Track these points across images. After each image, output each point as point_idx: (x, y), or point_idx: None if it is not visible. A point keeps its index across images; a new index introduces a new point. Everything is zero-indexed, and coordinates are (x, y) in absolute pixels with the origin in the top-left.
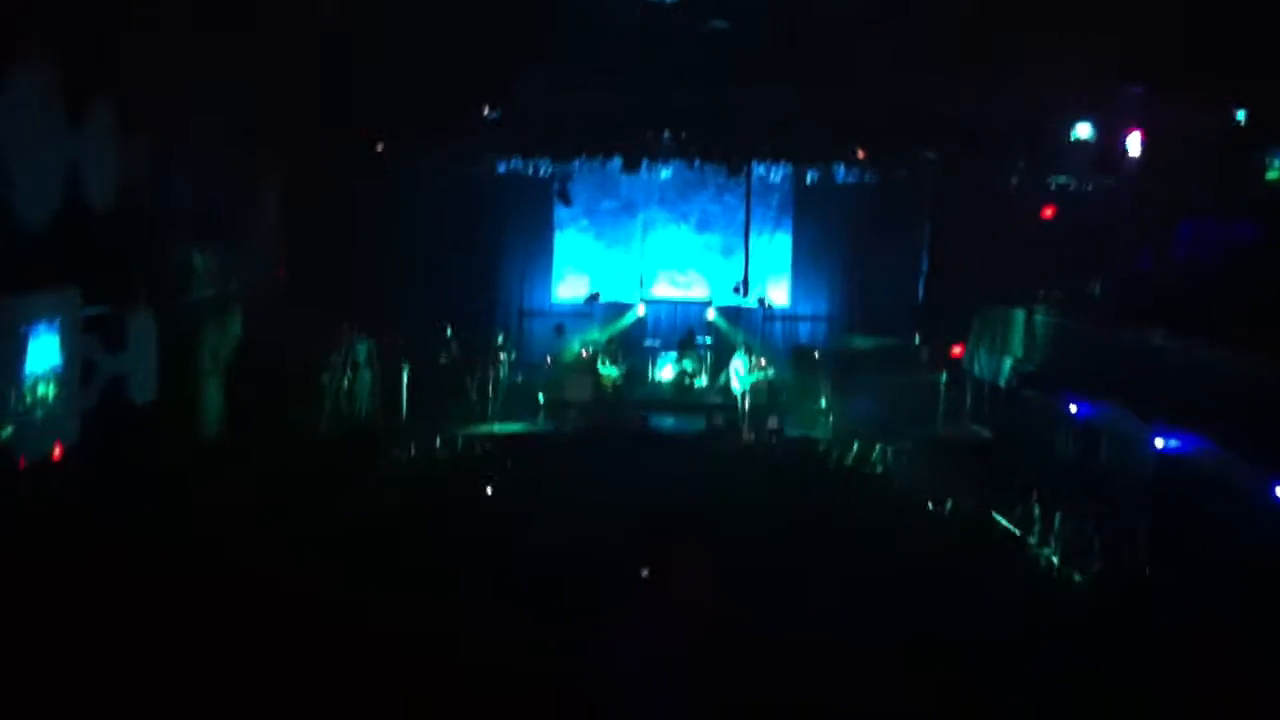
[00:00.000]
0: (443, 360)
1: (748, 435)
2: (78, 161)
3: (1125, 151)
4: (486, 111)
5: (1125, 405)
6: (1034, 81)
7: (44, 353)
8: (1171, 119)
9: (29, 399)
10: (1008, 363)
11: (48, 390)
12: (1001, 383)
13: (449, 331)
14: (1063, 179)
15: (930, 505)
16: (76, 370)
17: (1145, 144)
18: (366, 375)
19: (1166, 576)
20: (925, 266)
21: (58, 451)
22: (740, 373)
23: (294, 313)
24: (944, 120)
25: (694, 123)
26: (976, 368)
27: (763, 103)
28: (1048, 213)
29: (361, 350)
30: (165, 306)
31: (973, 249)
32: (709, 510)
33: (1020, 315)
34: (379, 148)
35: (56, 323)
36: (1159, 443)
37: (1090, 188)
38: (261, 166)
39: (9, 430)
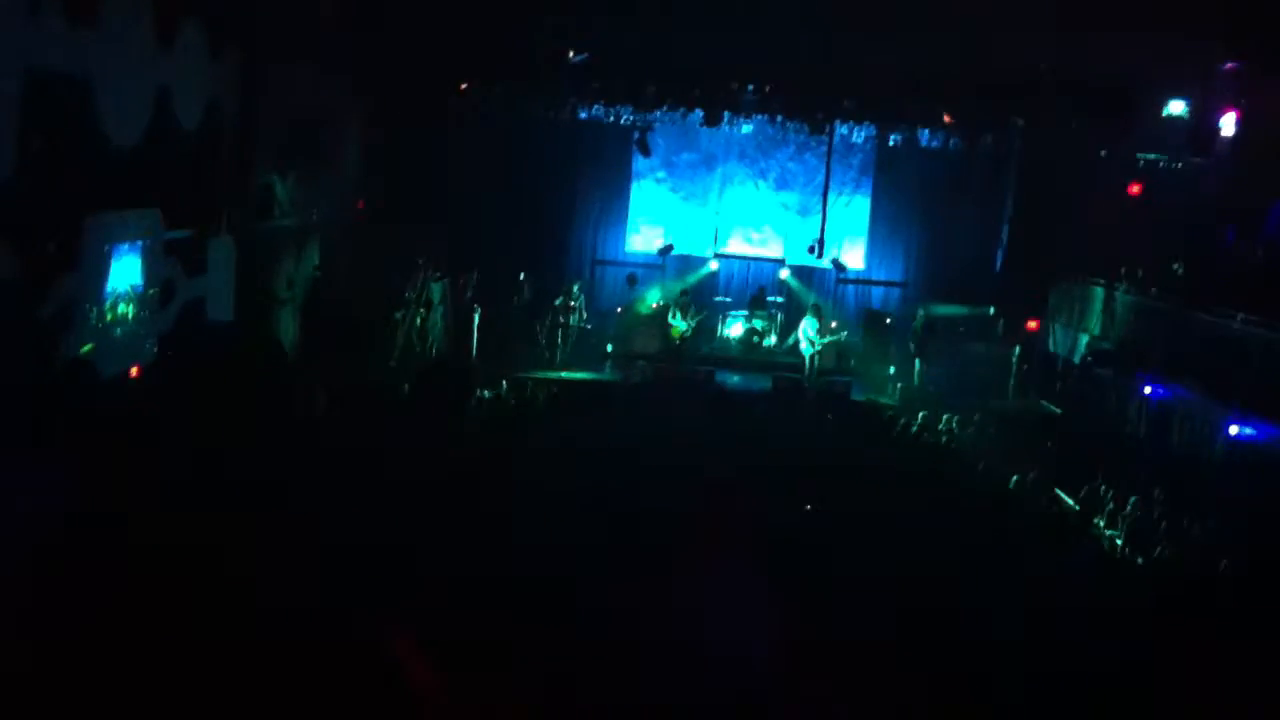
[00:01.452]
0: (514, 304)
1: (814, 397)
2: (167, 83)
3: (1218, 131)
4: (573, 55)
5: (1200, 389)
6: (1130, 55)
7: (126, 272)
8: (1269, 100)
9: (109, 317)
10: (1083, 339)
11: (128, 309)
12: (1075, 359)
13: (522, 276)
14: (1152, 155)
15: (994, 478)
16: (156, 291)
17: (1240, 124)
18: (439, 315)
19: (1232, 566)
20: (1005, 237)
21: (135, 370)
22: (810, 334)
23: (371, 247)
24: (1034, 88)
25: (779, 77)
26: (1051, 342)
27: (850, 60)
28: (1134, 189)
29: (435, 289)
30: (245, 233)
31: (1055, 222)
32: (769, 468)
33: (1099, 292)
34: (463, 86)
35: (139, 244)
36: (1233, 429)
37: (1180, 166)
38: (347, 100)
39: (89, 346)
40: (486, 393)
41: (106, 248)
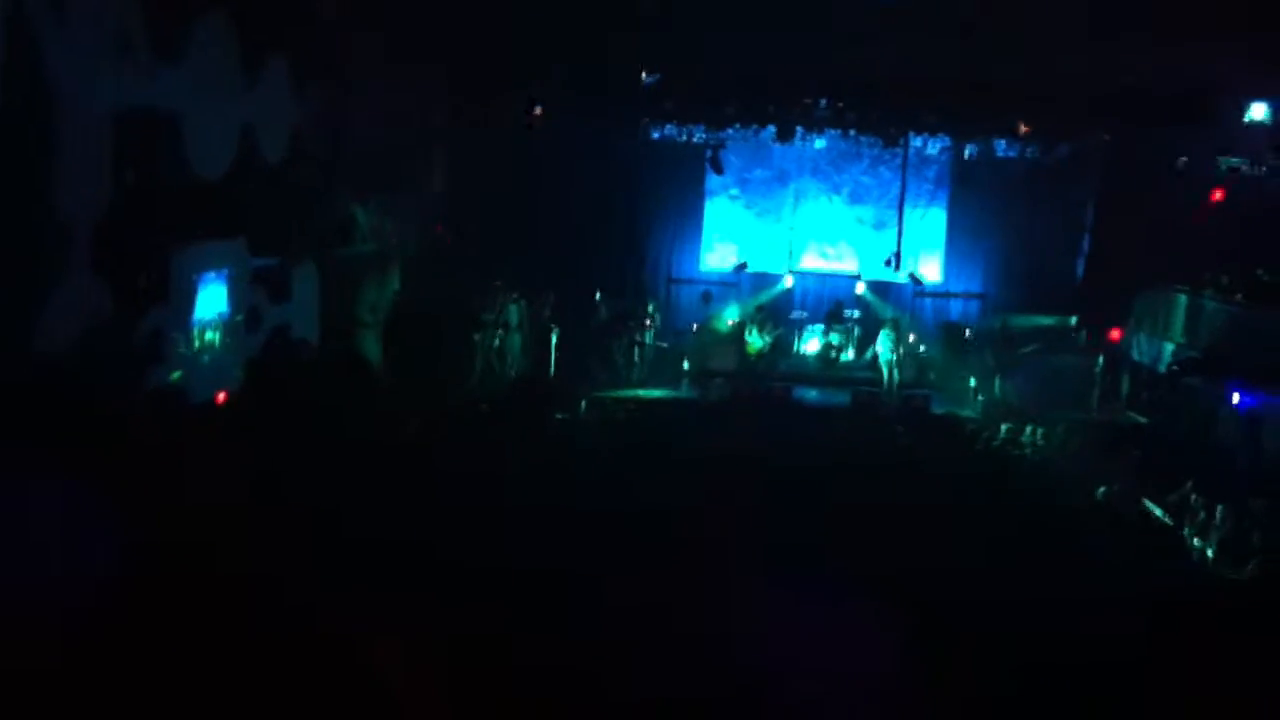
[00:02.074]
0: (591, 324)
1: (893, 412)
2: (251, 118)
3: None
4: (645, 76)
5: None
6: (1209, 60)
7: (212, 301)
8: None
9: (197, 345)
10: (1168, 347)
11: (215, 337)
12: (1161, 368)
13: (598, 296)
14: (1234, 161)
15: (1080, 490)
16: (243, 318)
17: None
18: (517, 336)
19: None
20: (1086, 246)
21: (221, 396)
22: (888, 348)
23: (450, 271)
24: (1113, 96)
25: (852, 91)
26: (1135, 352)
27: (924, 72)
28: (1217, 195)
29: (513, 311)
30: (328, 259)
31: (1137, 230)
32: (849, 480)
33: (1184, 299)
34: (537, 110)
35: (225, 273)
36: None
37: (1263, 170)
38: (426, 127)
39: (178, 374)
40: (562, 414)
41: (194, 278)
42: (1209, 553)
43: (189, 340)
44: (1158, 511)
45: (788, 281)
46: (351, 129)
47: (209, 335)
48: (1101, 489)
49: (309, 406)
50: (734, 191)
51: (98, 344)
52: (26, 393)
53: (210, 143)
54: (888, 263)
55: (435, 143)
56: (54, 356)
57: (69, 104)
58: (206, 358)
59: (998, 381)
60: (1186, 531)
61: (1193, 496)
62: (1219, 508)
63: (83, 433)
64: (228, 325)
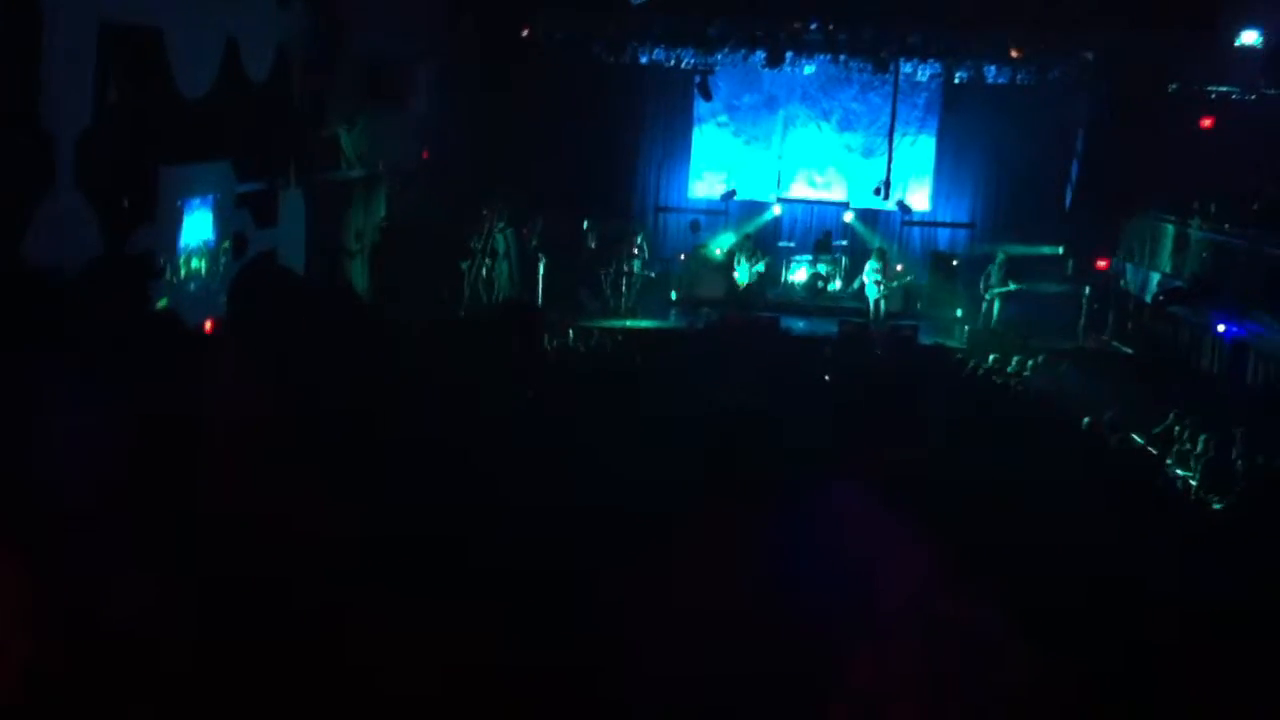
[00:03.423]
0: (579, 253)
1: (880, 341)
2: (235, 33)
3: None
4: None
5: (1276, 324)
6: None
7: (198, 226)
8: None
9: (184, 271)
10: (1155, 276)
11: (201, 264)
12: (1147, 297)
13: (586, 224)
14: (1224, 88)
15: (1065, 419)
16: (229, 245)
17: None
18: (505, 264)
19: None
20: (1075, 174)
21: (209, 324)
22: (875, 277)
23: (436, 197)
24: (1103, 17)
25: (842, 13)
26: (1122, 281)
27: None
28: (1207, 122)
29: (500, 239)
30: (315, 184)
31: (1126, 158)
32: (838, 409)
33: (1171, 228)
34: (525, 32)
35: (210, 198)
36: None
37: (1254, 97)
38: (411, 50)
39: (165, 300)
40: (553, 341)
41: (179, 202)
42: (1192, 481)
43: (175, 267)
44: (1142, 441)
45: (776, 210)
46: (337, 49)
47: (195, 262)
48: (1086, 419)
49: (297, 335)
50: (722, 118)
51: (87, 259)
52: (23, 301)
53: (193, 59)
54: (877, 191)
55: (421, 64)
56: (44, 269)
57: (54, 16)
58: (193, 285)
59: (988, 310)
60: (1170, 460)
61: (1177, 426)
62: (1202, 436)
63: (89, 344)
64: (214, 252)
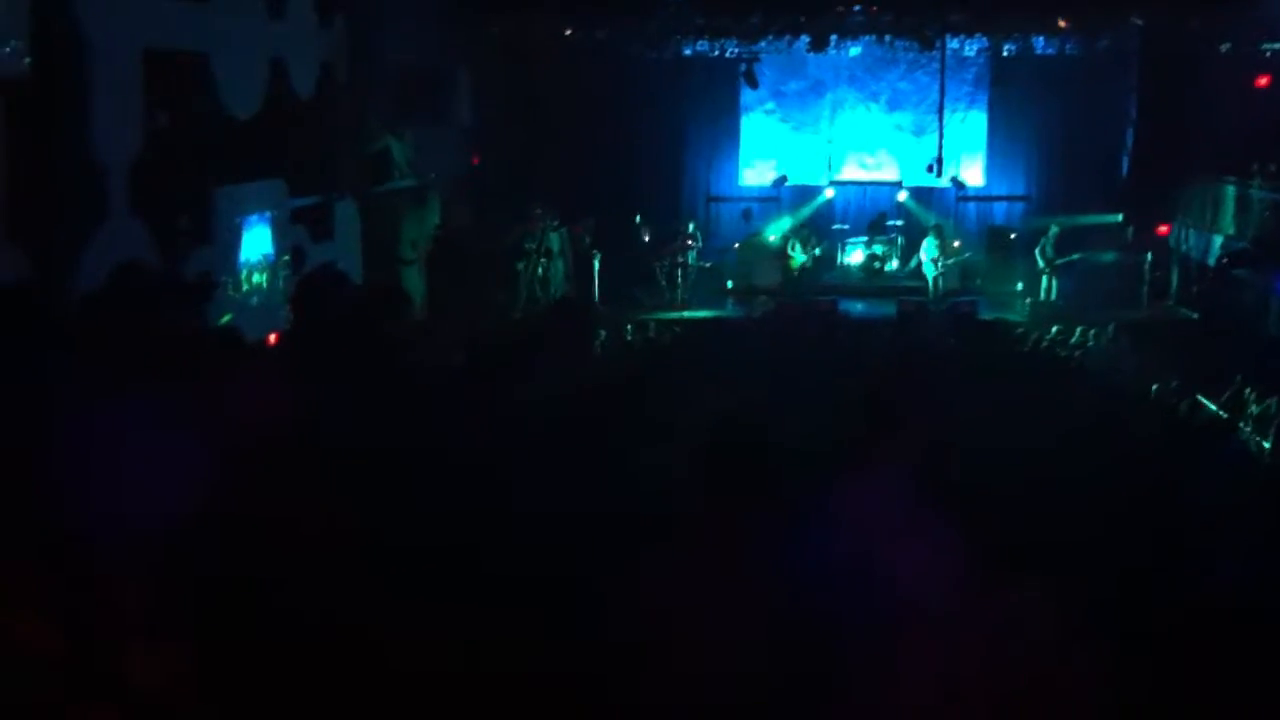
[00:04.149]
0: (633, 248)
1: (940, 319)
2: (280, 53)
3: None
4: None
5: None
6: None
7: (256, 242)
8: None
9: (245, 287)
10: (1217, 240)
11: (262, 279)
12: (1210, 262)
13: (638, 219)
14: (1277, 45)
15: (1133, 388)
16: (288, 259)
17: None
18: (559, 263)
19: None
20: (1130, 141)
21: (272, 337)
22: (932, 255)
23: (489, 202)
24: None
25: None
26: (1184, 246)
27: None
28: (1262, 81)
29: (554, 238)
30: (367, 196)
31: (1181, 122)
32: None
33: (1232, 190)
34: (568, 32)
35: (267, 214)
36: None
37: None
38: (456, 56)
39: (228, 316)
40: (604, 333)
41: (237, 220)
42: (1265, 445)
43: (237, 283)
44: (1212, 407)
45: (828, 194)
46: (380, 61)
47: (256, 277)
48: (1155, 386)
49: (355, 341)
50: (770, 106)
51: (138, 281)
52: (73, 327)
53: (240, 80)
54: (929, 168)
55: (465, 70)
56: (96, 294)
57: (99, 45)
58: (255, 299)
59: (1045, 284)
60: (1241, 425)
61: (1245, 390)
62: (1272, 400)
63: (149, 364)
64: (274, 266)
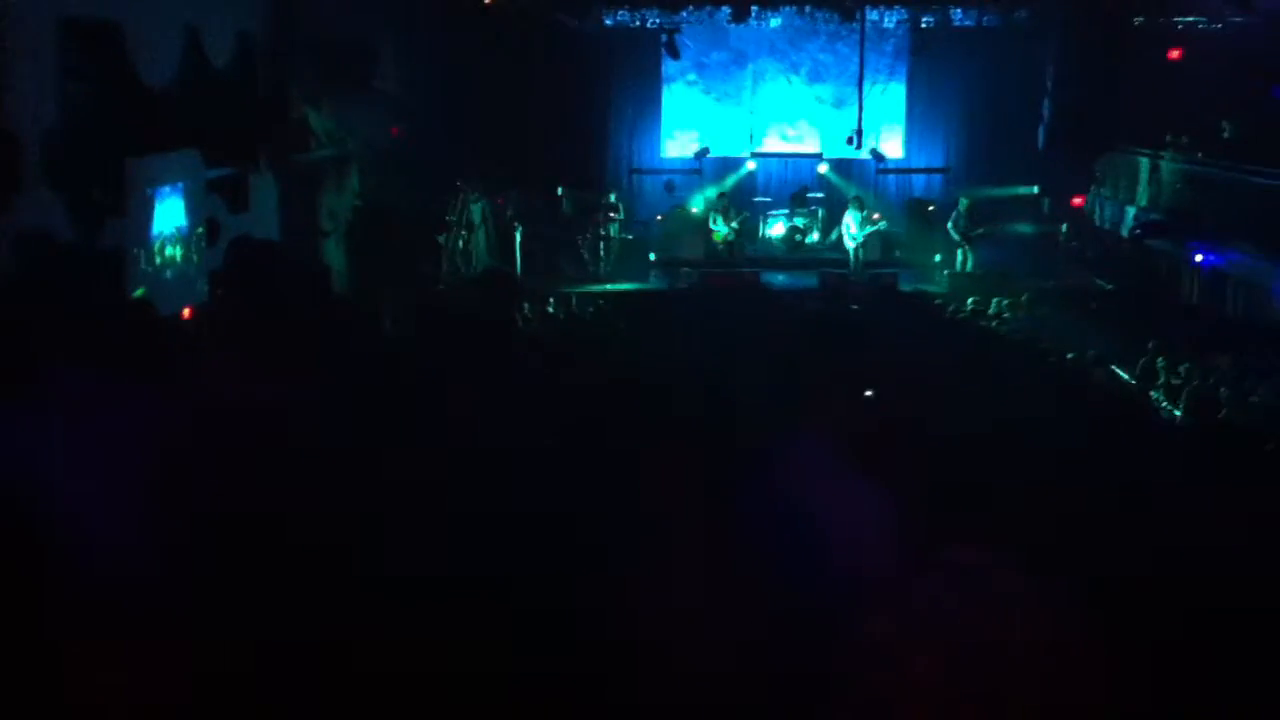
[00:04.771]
0: (556, 220)
1: (861, 290)
2: (195, 21)
3: None
4: None
5: (1255, 252)
6: None
7: (170, 214)
8: None
9: (158, 259)
10: (1131, 211)
11: (175, 251)
12: (1124, 232)
13: (560, 191)
14: (1190, 18)
15: (1048, 357)
16: (203, 231)
17: None
18: (481, 235)
19: None
20: (1047, 113)
21: (187, 311)
22: (853, 227)
23: (409, 173)
24: None
25: None
26: (1098, 217)
27: None
28: (1175, 54)
29: (476, 210)
30: (285, 167)
31: (1096, 94)
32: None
33: (1145, 161)
34: (488, 1)
35: (180, 185)
36: None
37: (1220, 26)
38: (376, 24)
39: (142, 290)
40: (528, 307)
41: (149, 191)
42: (1176, 413)
43: (150, 255)
44: (1125, 375)
45: (750, 166)
46: (299, 29)
47: (169, 250)
48: (1070, 354)
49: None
50: (691, 76)
51: (56, 257)
52: None
53: (155, 49)
54: (849, 140)
55: (385, 40)
56: (13, 271)
57: (14, 13)
58: (169, 273)
59: (961, 256)
60: (1154, 393)
61: (1159, 358)
62: (1183, 366)
63: (65, 343)
64: (188, 239)
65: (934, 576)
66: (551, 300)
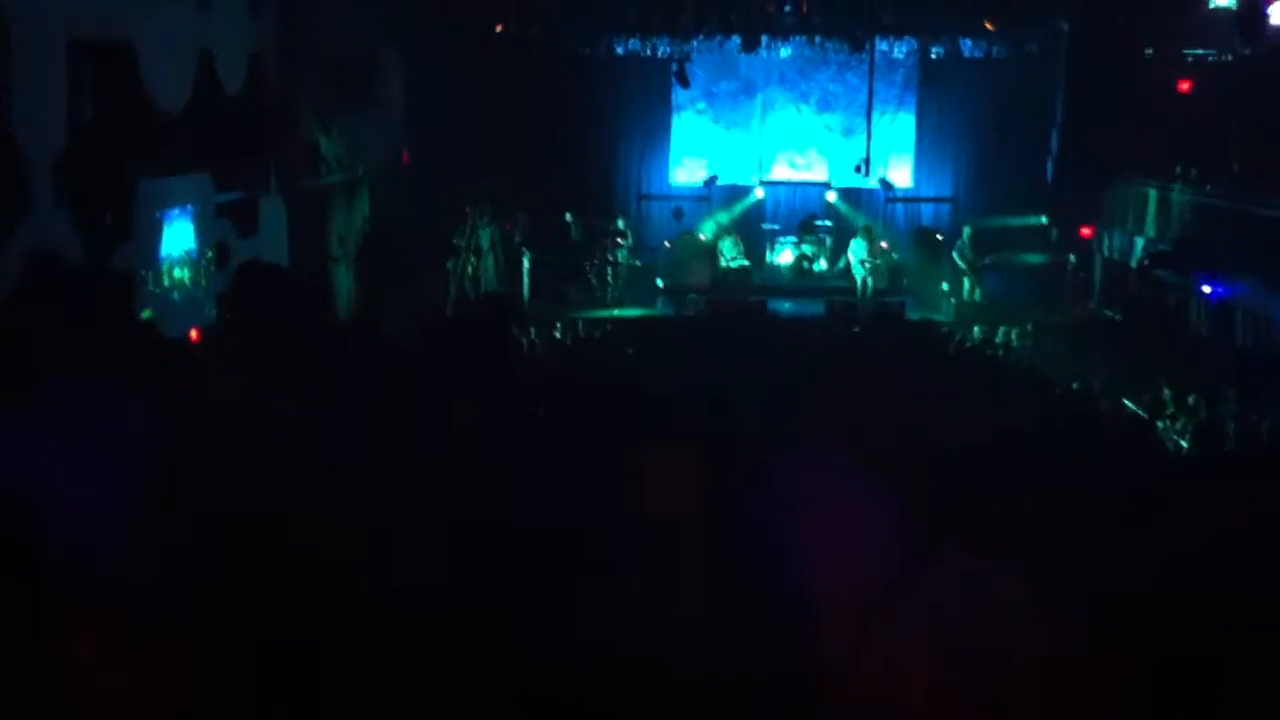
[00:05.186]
0: (564, 246)
1: (867, 319)
2: (208, 46)
3: (1267, 19)
4: None
5: (1263, 284)
6: None
7: (179, 237)
8: None
9: (166, 282)
10: (1139, 242)
11: (184, 274)
12: (1133, 263)
13: (569, 217)
14: (1200, 50)
15: (1055, 389)
16: (212, 254)
17: None
18: (490, 260)
19: None
20: (1055, 145)
21: (195, 333)
22: (861, 256)
23: (419, 198)
24: None
25: None
26: (1106, 248)
27: None
28: (1184, 86)
29: (484, 236)
30: (295, 191)
31: (1105, 126)
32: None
33: (1154, 193)
34: (498, 29)
35: (190, 208)
36: None
37: (1230, 59)
38: (386, 51)
39: (149, 312)
40: (533, 335)
41: (159, 214)
42: (1183, 444)
43: (158, 278)
44: (1132, 406)
45: (758, 193)
46: (311, 53)
47: (178, 272)
48: (1076, 385)
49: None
50: (701, 105)
51: (66, 281)
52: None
53: (167, 72)
54: (858, 169)
55: (395, 66)
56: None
57: (22, 35)
58: (177, 295)
59: (966, 286)
60: (1161, 425)
61: (1166, 389)
62: (1191, 398)
63: (65, 352)
64: (196, 262)
65: (934, 584)
66: (559, 325)
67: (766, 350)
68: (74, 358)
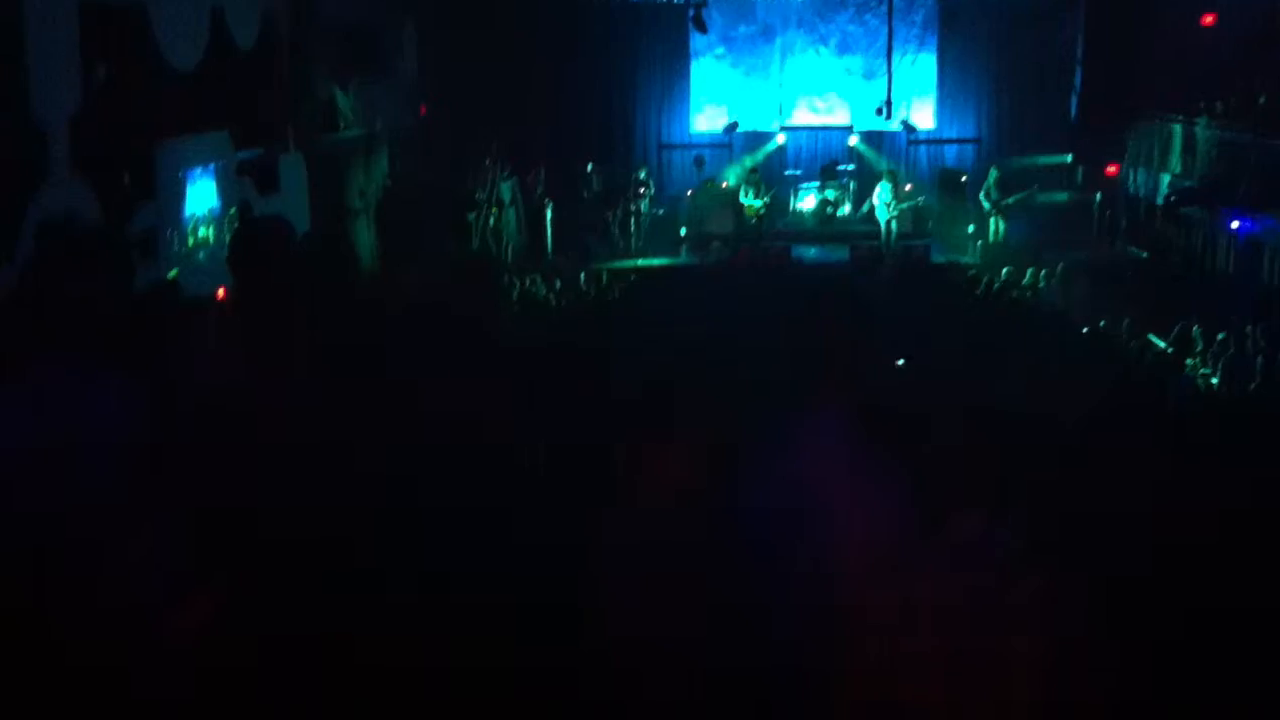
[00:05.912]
0: (585, 196)
1: (893, 263)
2: (220, 3)
3: None
4: None
5: None
6: None
7: (202, 196)
8: None
9: (191, 241)
10: (1165, 179)
11: (208, 232)
12: (1159, 201)
13: (590, 167)
14: None
15: (1083, 327)
16: (235, 212)
17: None
18: (511, 213)
19: None
20: (1078, 82)
21: (221, 291)
22: (885, 200)
23: (438, 151)
24: None
25: None
26: (1132, 186)
27: None
28: (1208, 20)
29: (505, 188)
30: (314, 147)
31: (1129, 62)
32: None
33: (1179, 129)
34: None
35: (211, 167)
36: None
37: None
38: (397, 2)
39: (175, 271)
40: (557, 286)
41: (180, 173)
42: (1213, 380)
43: (182, 237)
44: (1160, 344)
45: (780, 139)
46: (323, 9)
47: (202, 231)
48: (1103, 323)
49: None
50: (719, 50)
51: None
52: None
53: (180, 31)
54: (879, 111)
55: (410, 18)
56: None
57: (34, 1)
58: (202, 254)
59: (992, 227)
60: (1189, 361)
61: (1194, 327)
62: (1219, 336)
63: (84, 333)
64: (220, 220)
65: (940, 553)
66: (583, 276)
67: (782, 299)
68: (64, 332)
